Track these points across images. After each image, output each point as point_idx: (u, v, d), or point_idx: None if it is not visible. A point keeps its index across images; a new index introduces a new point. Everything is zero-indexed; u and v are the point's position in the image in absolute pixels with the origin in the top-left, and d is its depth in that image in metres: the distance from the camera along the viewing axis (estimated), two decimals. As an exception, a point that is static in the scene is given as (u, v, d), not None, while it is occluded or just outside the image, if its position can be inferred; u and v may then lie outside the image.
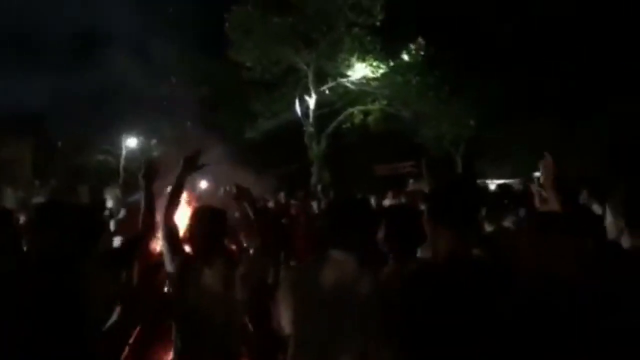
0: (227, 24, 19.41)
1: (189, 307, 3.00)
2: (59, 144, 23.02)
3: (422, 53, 19.05)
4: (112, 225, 8.34)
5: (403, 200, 8.76)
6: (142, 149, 23.41)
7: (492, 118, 19.02)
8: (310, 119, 20.85)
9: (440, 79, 18.80)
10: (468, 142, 22.20)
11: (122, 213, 7.79)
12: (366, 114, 21.43)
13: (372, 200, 10.93)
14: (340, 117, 21.39)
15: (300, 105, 20.72)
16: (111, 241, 6.00)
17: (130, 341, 4.45)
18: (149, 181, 3.22)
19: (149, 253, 4.93)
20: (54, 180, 22.98)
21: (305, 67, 20.45)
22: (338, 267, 2.32)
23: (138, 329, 4.58)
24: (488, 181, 18.93)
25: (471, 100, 18.81)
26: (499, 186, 7.49)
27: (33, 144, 22.42)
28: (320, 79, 20.59)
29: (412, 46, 19.09)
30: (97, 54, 21.59)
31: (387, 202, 9.31)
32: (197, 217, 3.23)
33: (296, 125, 20.95)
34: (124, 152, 22.86)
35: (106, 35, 21.57)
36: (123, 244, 3.69)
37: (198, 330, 2.99)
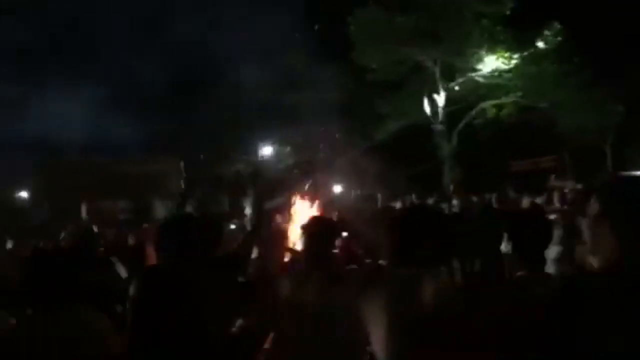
0: (350, 27, 19.58)
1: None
2: (201, 156, 24.68)
3: (558, 39, 17.77)
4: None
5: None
6: (277, 157, 24.31)
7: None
8: (440, 117, 20.32)
9: (581, 65, 17.37)
10: (618, 131, 20.32)
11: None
12: (499, 107, 20.35)
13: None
14: (472, 113, 20.61)
15: (429, 103, 20.27)
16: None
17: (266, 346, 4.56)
18: (259, 202, 3.66)
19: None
20: (199, 190, 24.70)
21: (432, 64, 20.00)
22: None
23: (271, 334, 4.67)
24: (642, 173, 17.21)
25: (616, 85, 17.15)
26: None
27: (180, 158, 24.29)
28: (449, 75, 20.01)
29: (547, 33, 17.90)
30: (229, 67, 22.78)
31: (525, 203, 8.72)
32: (306, 229, 3.38)
33: (425, 125, 20.51)
34: (259, 160, 23.86)
35: (236, 48, 22.68)
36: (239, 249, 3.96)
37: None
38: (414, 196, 12.22)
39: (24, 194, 21.24)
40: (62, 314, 2.47)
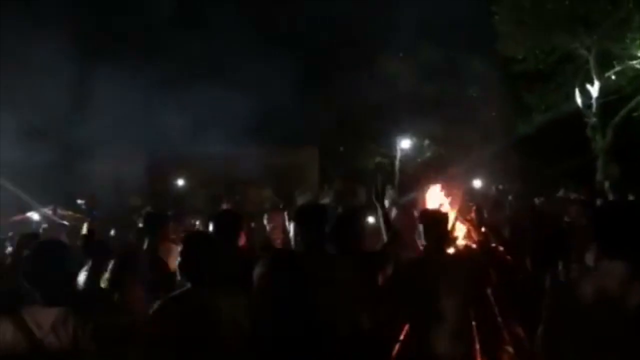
0: (496, 17, 18.94)
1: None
2: (341, 148, 25.28)
3: None
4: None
5: None
6: (416, 150, 24.20)
7: None
8: (593, 109, 18.91)
9: None
10: None
11: (394, 212, 8.22)
12: (662, 99, 18.49)
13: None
14: (631, 104, 18.93)
15: (581, 94, 18.94)
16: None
17: (401, 337, 4.70)
18: (381, 202, 4.02)
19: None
20: (338, 182, 25.33)
21: (585, 53, 18.66)
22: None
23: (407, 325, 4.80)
24: None
25: None
26: None
27: (319, 150, 25.06)
28: (604, 64, 18.52)
29: None
30: (368, 56, 22.99)
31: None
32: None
33: (575, 117, 19.21)
34: (398, 154, 23.90)
35: (376, 41, 22.83)
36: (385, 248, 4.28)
37: None
38: (562, 191, 11.55)
39: (180, 182, 23.11)
40: (217, 288, 2.84)
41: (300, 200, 14.77)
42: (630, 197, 10.28)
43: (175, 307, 2.77)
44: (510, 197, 9.99)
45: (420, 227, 3.94)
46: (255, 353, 2.80)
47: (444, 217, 4.12)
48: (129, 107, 18.40)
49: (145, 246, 4.74)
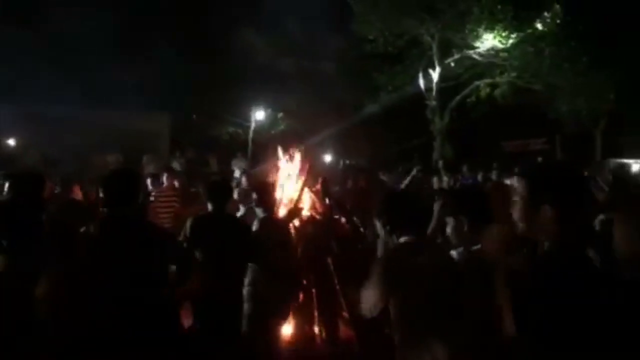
0: (352, -4, 19.39)
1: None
2: (194, 116, 24.57)
3: (557, 21, 17.74)
4: (235, 195, 8.84)
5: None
6: (270, 122, 24.27)
7: (635, 91, 17.36)
8: (434, 93, 20.31)
9: (577, 50, 17.39)
10: (609, 118, 20.48)
11: (245, 182, 8.20)
12: (494, 87, 20.28)
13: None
14: (466, 91, 20.58)
15: (424, 78, 20.23)
16: (237, 209, 6.36)
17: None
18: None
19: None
20: (191, 151, 24.65)
21: (429, 39, 19.86)
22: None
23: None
24: (632, 161, 17.44)
25: (611, 72, 17.22)
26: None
27: (170, 117, 24.09)
28: (446, 51, 19.85)
29: (546, 14, 17.84)
30: (225, 31, 22.55)
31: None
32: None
33: (418, 99, 20.49)
34: (252, 125, 23.80)
35: (234, 13, 22.40)
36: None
37: None
38: (400, 169, 12.36)
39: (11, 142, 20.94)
40: None
41: (149, 165, 14.19)
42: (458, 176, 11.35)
43: None
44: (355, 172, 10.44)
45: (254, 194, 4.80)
46: None
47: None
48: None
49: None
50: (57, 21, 19.25)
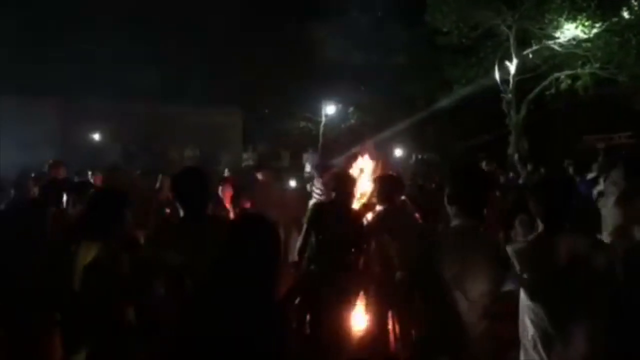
0: (425, -12, 19.05)
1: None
2: (266, 111, 24.99)
3: (646, 9, 16.71)
4: (308, 187, 8.92)
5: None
6: (340, 116, 24.34)
7: None
8: (510, 85, 19.63)
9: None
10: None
11: (315, 175, 8.26)
12: (574, 78, 19.28)
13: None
14: (545, 83, 19.73)
15: (500, 70, 19.58)
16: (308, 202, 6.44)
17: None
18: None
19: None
20: (262, 145, 25.17)
21: (506, 30, 19.21)
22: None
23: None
24: None
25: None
26: None
27: (243, 112, 24.66)
28: (523, 42, 19.12)
29: (634, 1, 16.82)
30: (297, 27, 22.78)
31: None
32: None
33: (493, 92, 19.85)
34: (323, 119, 23.95)
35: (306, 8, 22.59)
36: None
37: None
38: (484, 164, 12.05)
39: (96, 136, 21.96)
40: None
41: (224, 159, 14.61)
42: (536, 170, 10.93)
43: None
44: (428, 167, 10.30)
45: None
46: None
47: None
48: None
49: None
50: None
